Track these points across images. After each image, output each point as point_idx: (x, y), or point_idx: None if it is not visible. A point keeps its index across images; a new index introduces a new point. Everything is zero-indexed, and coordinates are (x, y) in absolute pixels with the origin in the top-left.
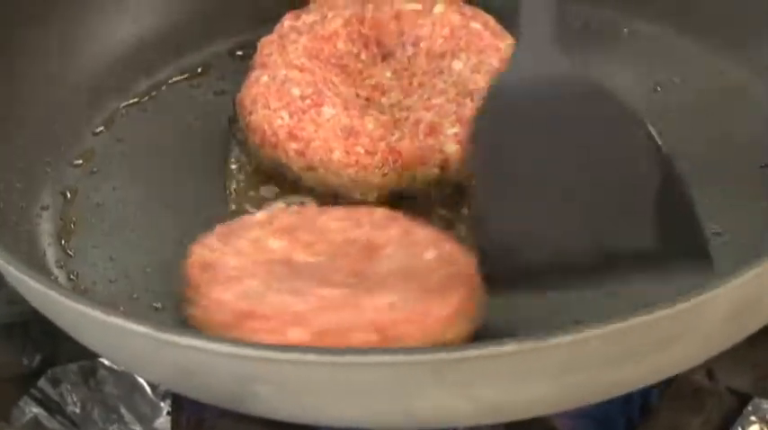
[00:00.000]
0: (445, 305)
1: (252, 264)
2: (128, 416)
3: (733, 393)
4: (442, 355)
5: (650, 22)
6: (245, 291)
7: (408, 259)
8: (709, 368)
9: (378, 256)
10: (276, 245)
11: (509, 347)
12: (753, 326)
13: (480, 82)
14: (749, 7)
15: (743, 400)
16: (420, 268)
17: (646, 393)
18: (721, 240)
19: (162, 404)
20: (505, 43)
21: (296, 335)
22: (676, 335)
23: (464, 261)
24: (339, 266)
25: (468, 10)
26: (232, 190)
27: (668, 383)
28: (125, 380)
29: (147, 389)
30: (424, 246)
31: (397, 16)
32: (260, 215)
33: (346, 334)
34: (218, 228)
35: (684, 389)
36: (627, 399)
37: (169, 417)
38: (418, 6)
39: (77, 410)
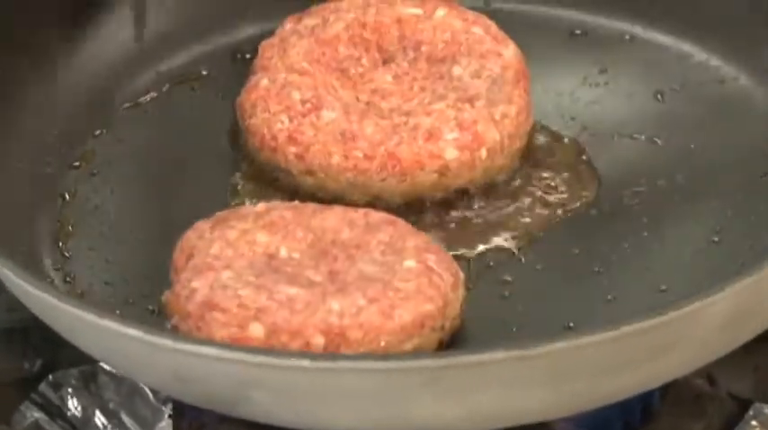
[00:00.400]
0: (402, 317)
1: (232, 256)
2: (128, 421)
3: (734, 398)
4: (430, 362)
5: (651, 29)
6: (216, 281)
7: (387, 266)
8: (709, 373)
9: (359, 260)
10: (263, 239)
11: (498, 355)
12: (750, 334)
13: (481, 87)
14: (750, 15)
15: (744, 405)
16: (393, 277)
17: (646, 398)
18: (720, 248)
19: (163, 408)
20: (507, 49)
21: (255, 330)
22: (672, 343)
23: (443, 274)
24: (317, 266)
25: (470, 15)
26: (232, 193)
27: (669, 388)
28: (126, 385)
29: (149, 393)
30: (408, 255)
31: (399, 20)
32: (259, 207)
33: (296, 334)
34: (216, 215)
35: (685, 395)
36: (626, 404)
37: (170, 422)
38: (419, 11)
39: (78, 415)
